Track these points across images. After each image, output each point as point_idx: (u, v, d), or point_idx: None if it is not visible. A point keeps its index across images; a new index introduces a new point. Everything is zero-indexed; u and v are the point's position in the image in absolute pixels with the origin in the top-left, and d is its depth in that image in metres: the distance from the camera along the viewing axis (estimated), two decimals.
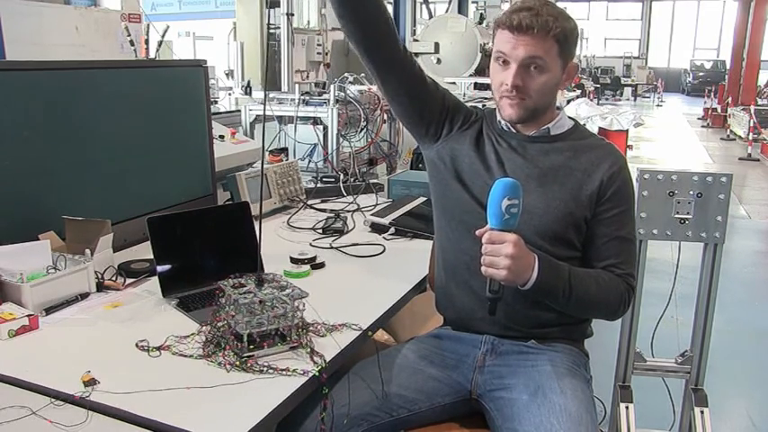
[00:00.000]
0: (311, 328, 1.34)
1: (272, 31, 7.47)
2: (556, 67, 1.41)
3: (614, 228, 1.44)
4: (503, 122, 1.52)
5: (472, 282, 1.47)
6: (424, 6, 11.68)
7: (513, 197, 1.25)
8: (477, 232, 1.31)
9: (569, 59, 1.44)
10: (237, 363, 1.21)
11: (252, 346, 1.23)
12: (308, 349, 1.25)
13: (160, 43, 4.16)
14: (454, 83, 6.17)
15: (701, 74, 24.41)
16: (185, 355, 1.25)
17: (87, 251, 1.57)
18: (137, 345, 1.29)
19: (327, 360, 1.23)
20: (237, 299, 1.24)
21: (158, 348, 1.28)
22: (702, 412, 1.81)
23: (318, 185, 2.68)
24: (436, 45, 6.57)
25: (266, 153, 2.83)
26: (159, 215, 1.62)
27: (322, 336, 1.34)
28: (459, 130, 1.55)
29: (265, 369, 1.20)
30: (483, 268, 1.29)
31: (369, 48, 1.44)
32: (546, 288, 1.36)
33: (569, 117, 1.56)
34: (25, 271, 1.44)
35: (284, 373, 1.19)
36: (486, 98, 5.48)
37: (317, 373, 1.19)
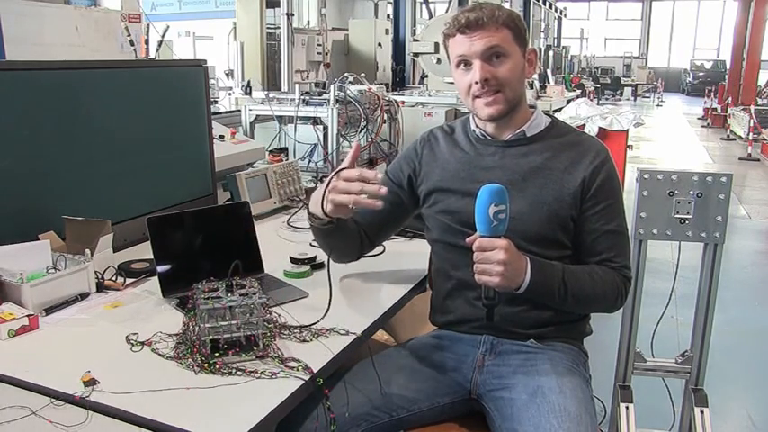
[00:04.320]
0: (296, 333, 1.33)
1: (271, 31, 7.48)
2: (516, 53, 1.43)
3: (603, 222, 1.44)
4: (477, 130, 1.52)
5: (468, 293, 1.48)
6: (424, 6, 11.70)
7: (499, 203, 1.25)
8: (467, 240, 1.32)
9: (525, 45, 1.46)
10: (206, 365, 1.19)
11: (216, 353, 1.22)
12: (277, 359, 1.22)
13: (160, 43, 4.17)
14: (453, 83, 6.16)
15: (700, 74, 24.41)
16: (160, 354, 1.25)
17: (87, 251, 1.57)
18: (126, 338, 1.31)
19: (322, 365, 1.22)
20: (199, 304, 1.23)
21: (142, 343, 1.29)
22: (702, 412, 1.80)
23: (318, 185, 2.68)
24: (436, 45, 6.57)
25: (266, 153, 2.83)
26: (159, 215, 1.62)
27: (307, 341, 1.32)
28: (417, 172, 1.59)
29: (233, 371, 1.18)
30: (476, 276, 1.30)
31: (361, 252, 1.66)
32: (540, 289, 1.36)
33: (545, 113, 1.56)
34: (25, 271, 1.44)
35: (275, 376, 1.18)
36: None
37: (305, 378, 1.17)
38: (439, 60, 6.67)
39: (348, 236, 1.57)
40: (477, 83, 1.41)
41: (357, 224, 1.60)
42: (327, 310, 1.40)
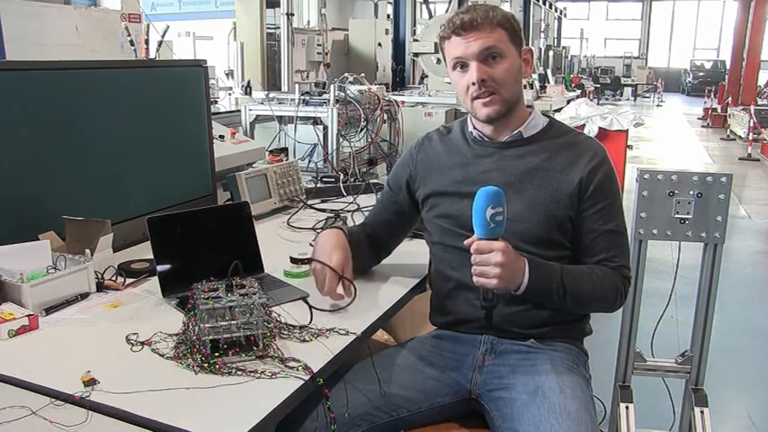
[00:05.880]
0: (296, 333, 1.33)
1: (271, 31, 7.48)
2: (512, 53, 1.44)
3: (601, 223, 1.44)
4: (474, 132, 1.52)
5: (468, 294, 1.48)
6: (424, 6, 11.70)
7: (496, 205, 1.26)
8: (464, 242, 1.32)
9: (521, 45, 1.47)
10: (206, 365, 1.19)
11: (217, 353, 1.22)
12: (277, 359, 1.22)
13: (160, 43, 4.17)
14: None
15: (701, 74, 24.43)
16: (160, 354, 1.25)
17: (87, 251, 1.57)
18: (126, 338, 1.31)
19: (322, 365, 1.22)
20: (199, 304, 1.23)
21: (142, 343, 1.29)
22: (702, 412, 1.81)
23: (318, 185, 2.68)
24: (436, 45, 6.56)
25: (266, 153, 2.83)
26: (159, 215, 1.62)
27: (307, 341, 1.32)
28: (413, 177, 1.60)
29: (233, 371, 1.18)
30: (474, 278, 1.30)
31: (378, 261, 1.74)
32: (539, 290, 1.37)
33: (544, 114, 1.56)
34: (25, 271, 1.44)
35: (274, 376, 1.18)
36: None
37: (305, 378, 1.17)
38: (439, 60, 6.67)
39: (362, 252, 1.61)
40: (474, 84, 1.41)
41: (368, 236, 1.63)
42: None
